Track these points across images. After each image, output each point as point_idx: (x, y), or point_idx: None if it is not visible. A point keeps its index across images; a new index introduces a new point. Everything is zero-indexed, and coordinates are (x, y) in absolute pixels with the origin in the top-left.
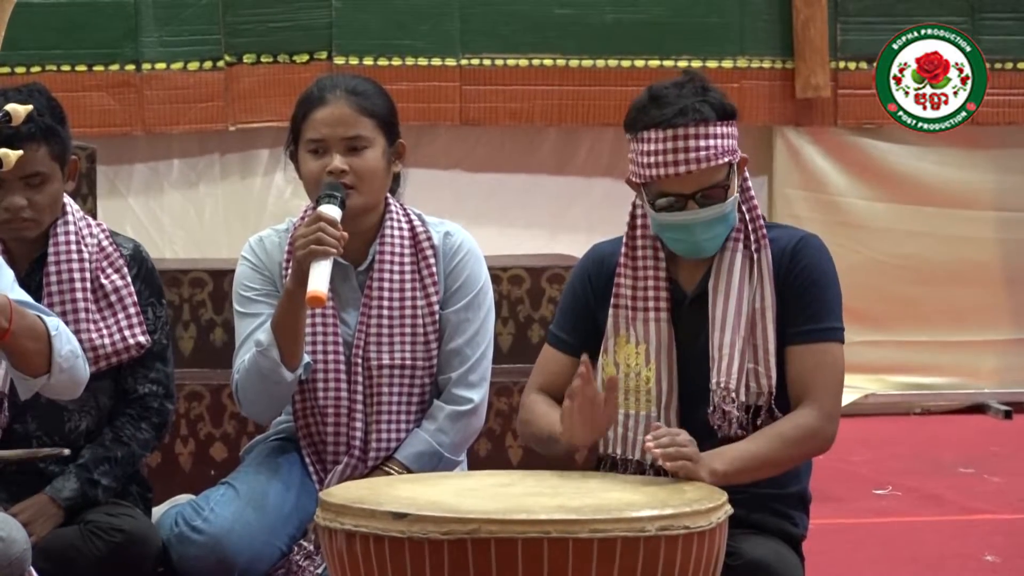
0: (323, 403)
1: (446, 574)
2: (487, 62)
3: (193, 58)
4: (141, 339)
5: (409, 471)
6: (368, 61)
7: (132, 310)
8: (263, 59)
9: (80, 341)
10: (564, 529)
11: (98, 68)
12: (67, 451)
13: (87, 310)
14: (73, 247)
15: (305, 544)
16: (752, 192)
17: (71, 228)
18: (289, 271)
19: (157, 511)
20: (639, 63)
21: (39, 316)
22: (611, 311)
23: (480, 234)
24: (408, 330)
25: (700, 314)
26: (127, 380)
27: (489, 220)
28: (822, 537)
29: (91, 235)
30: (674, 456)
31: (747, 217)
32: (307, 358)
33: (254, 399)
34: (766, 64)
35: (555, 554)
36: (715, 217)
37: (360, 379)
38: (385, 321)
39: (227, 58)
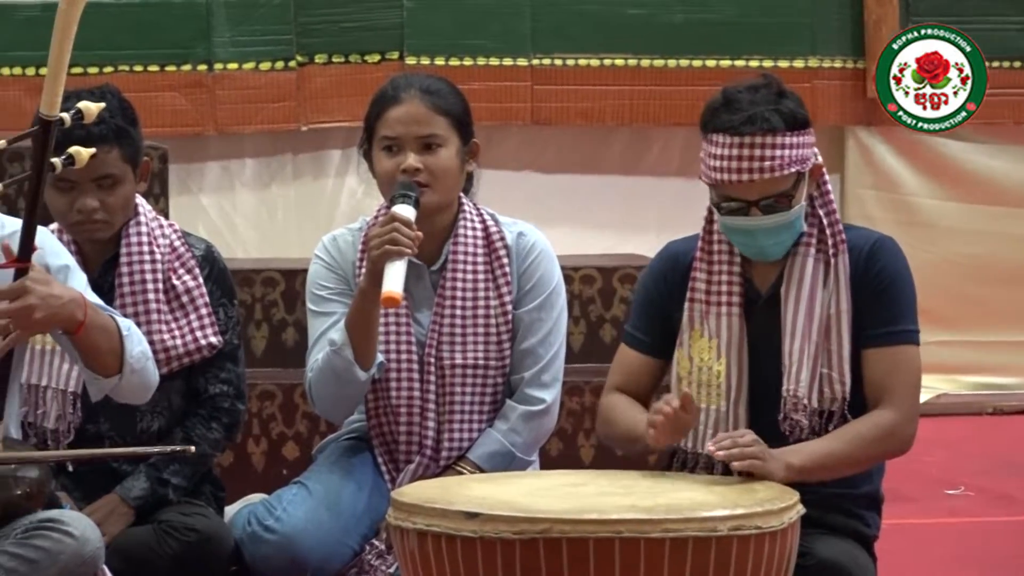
0: (396, 402)
1: (517, 574)
2: (558, 62)
3: (265, 58)
4: (213, 340)
5: (481, 471)
6: (439, 61)
7: (204, 311)
8: (335, 59)
9: (152, 342)
10: (636, 529)
11: (170, 68)
12: (192, 448)
13: (159, 311)
14: (145, 248)
15: (377, 543)
16: (831, 196)
17: (143, 229)
18: (363, 270)
19: (230, 510)
20: (710, 63)
21: (111, 316)
22: (687, 305)
23: (551, 234)
24: (481, 330)
25: (773, 315)
26: (198, 380)
27: (560, 220)
28: (894, 537)
29: (163, 236)
30: (738, 457)
31: (824, 221)
32: (380, 357)
33: (327, 398)
34: (837, 64)
35: (627, 554)
36: (779, 224)
37: (433, 379)
38: (458, 321)
39: (299, 58)
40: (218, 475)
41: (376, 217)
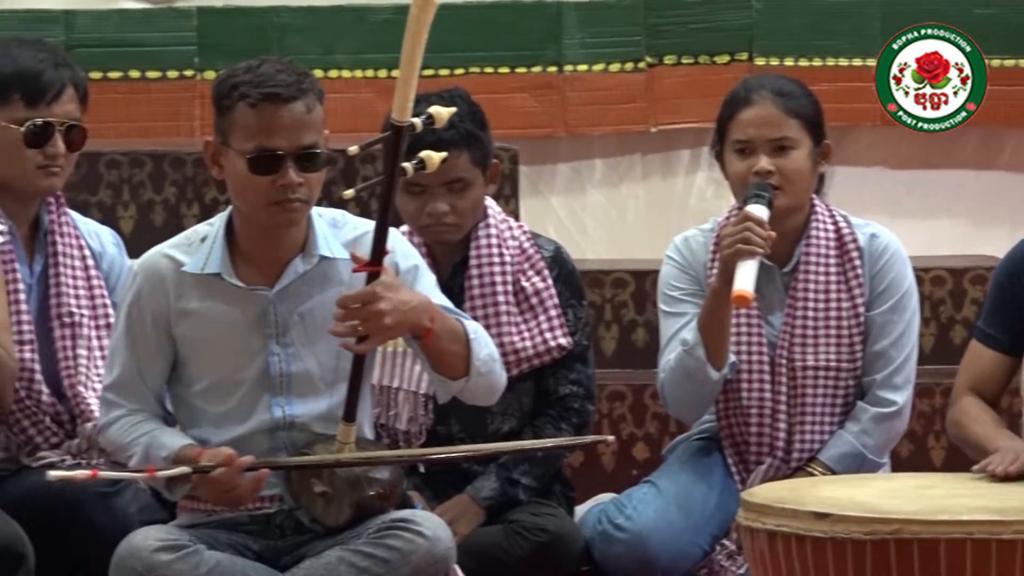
0: (747, 403)
1: (867, 575)
2: None
3: (615, 59)
4: (562, 341)
5: (832, 472)
6: (789, 62)
7: (553, 312)
8: (684, 60)
9: (501, 344)
10: (987, 530)
11: (520, 70)
12: (611, 438)
13: (508, 313)
14: (495, 250)
15: (728, 543)
16: None
17: (492, 231)
18: (714, 271)
19: (580, 510)
20: None
21: (458, 319)
22: None
23: (902, 230)
24: (833, 332)
25: None
26: (548, 381)
27: (911, 216)
28: None
29: (512, 238)
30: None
31: None
32: (732, 358)
33: (680, 398)
34: None
35: (978, 555)
36: None
37: (784, 380)
38: (810, 323)
39: (648, 59)
40: (568, 475)
41: (728, 217)
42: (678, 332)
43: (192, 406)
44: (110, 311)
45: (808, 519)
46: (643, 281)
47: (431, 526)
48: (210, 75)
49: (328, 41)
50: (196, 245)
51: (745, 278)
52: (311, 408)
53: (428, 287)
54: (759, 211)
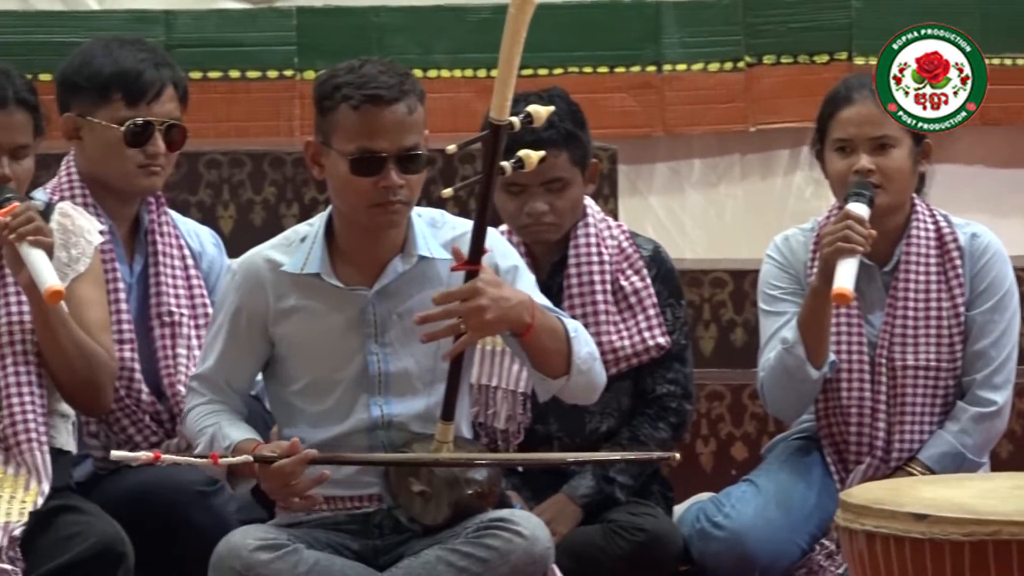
0: (846, 403)
1: None
2: (1007, 62)
3: (714, 59)
4: (660, 340)
5: (932, 472)
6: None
7: (652, 311)
8: (783, 60)
9: (600, 343)
10: None
11: (619, 70)
12: (677, 455)
13: (607, 312)
14: (593, 250)
15: (827, 543)
16: None
17: (591, 231)
18: (814, 270)
19: (678, 510)
20: None
21: (558, 317)
22: None
23: (1003, 229)
24: (933, 331)
25: None
26: (645, 380)
27: (1013, 214)
28: None
29: (611, 237)
30: None
31: None
32: (832, 356)
33: (780, 397)
34: None
35: None
36: None
37: (884, 379)
38: (910, 322)
39: (747, 59)
40: (666, 475)
41: (828, 216)
42: (778, 331)
43: (290, 405)
44: (209, 310)
45: (907, 520)
46: (741, 281)
47: (529, 525)
48: (310, 75)
49: (427, 41)
50: (295, 245)
51: (845, 276)
52: (409, 407)
53: (528, 287)
54: (860, 209)
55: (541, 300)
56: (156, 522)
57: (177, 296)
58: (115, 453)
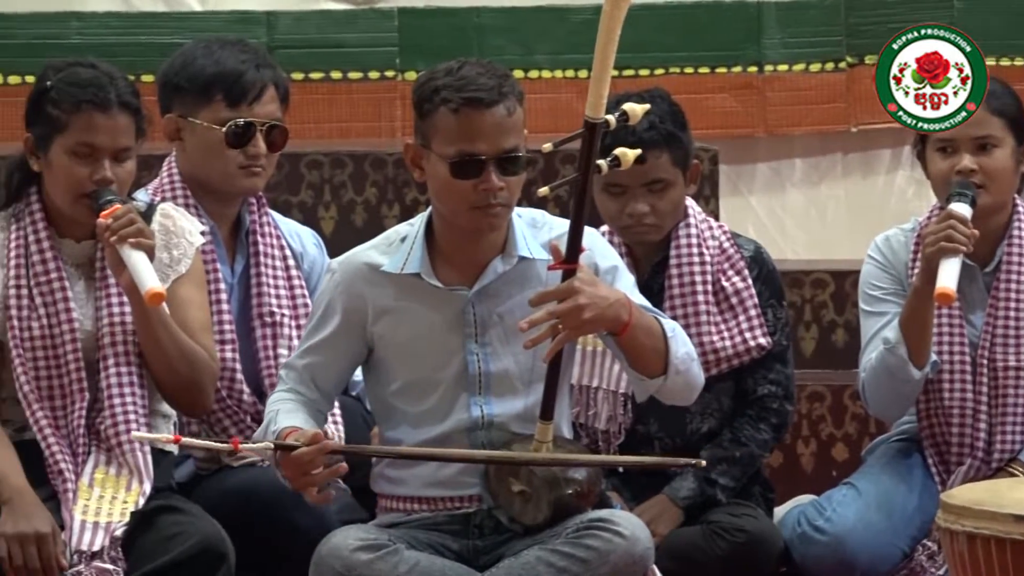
0: (948, 404)
1: None
2: None
3: (815, 59)
4: (762, 341)
5: None
6: (990, 61)
7: (753, 312)
8: None
9: (701, 344)
10: None
11: (720, 70)
12: (703, 462)
13: (708, 312)
14: (695, 250)
15: (929, 544)
16: None
17: (692, 231)
18: (916, 270)
19: (779, 511)
20: None
21: (656, 317)
22: None
23: None
24: None
25: None
26: (747, 381)
27: None
28: None
29: (712, 237)
30: None
31: None
32: (934, 356)
33: (881, 397)
34: None
35: None
36: None
37: (985, 380)
38: (1012, 323)
39: (849, 59)
40: (767, 476)
41: (930, 216)
42: (879, 331)
43: (390, 406)
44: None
45: (1007, 521)
46: (843, 281)
47: (630, 526)
48: (411, 76)
49: (528, 41)
50: (396, 245)
51: (948, 276)
52: (509, 407)
53: (627, 287)
54: (962, 209)
55: (639, 300)
56: (257, 522)
57: (278, 296)
58: (135, 434)
